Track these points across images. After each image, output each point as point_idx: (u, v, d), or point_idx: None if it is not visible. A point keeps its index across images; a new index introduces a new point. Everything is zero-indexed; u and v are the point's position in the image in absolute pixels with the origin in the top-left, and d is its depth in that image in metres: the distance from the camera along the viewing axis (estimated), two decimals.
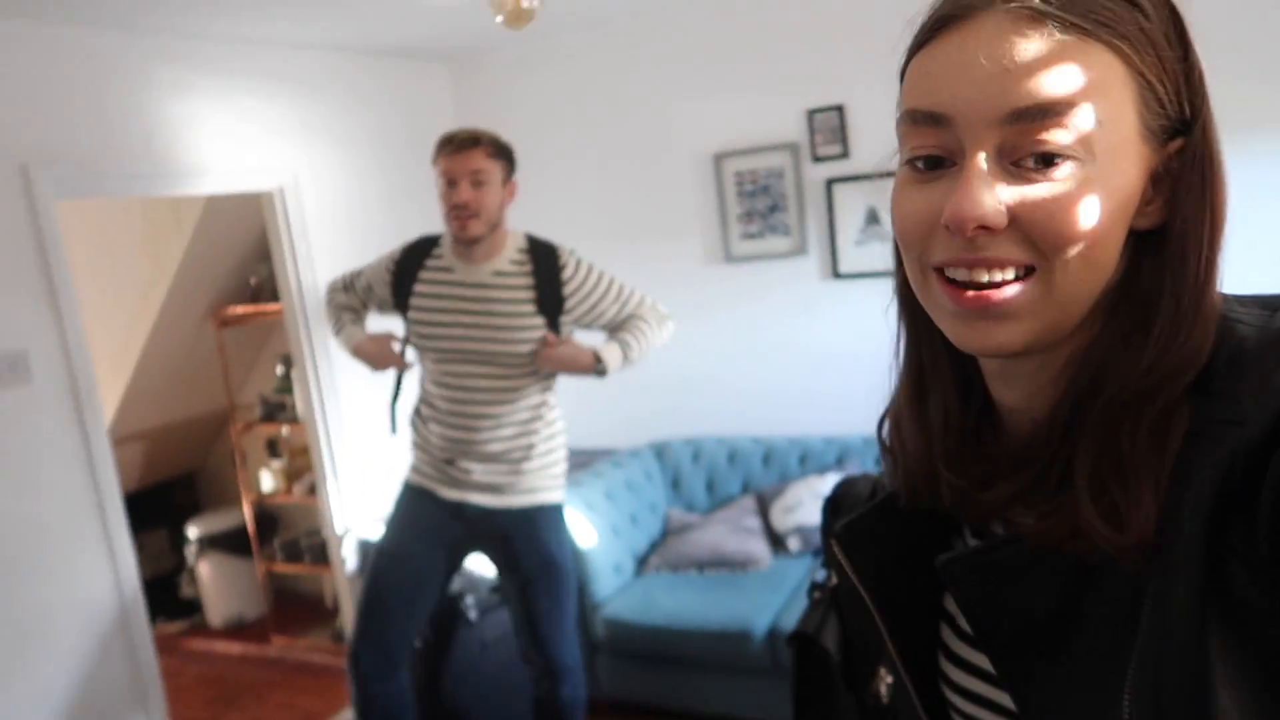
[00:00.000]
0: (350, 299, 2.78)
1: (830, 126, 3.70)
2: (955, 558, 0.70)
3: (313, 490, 4.28)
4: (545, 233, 5.07)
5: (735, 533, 3.59)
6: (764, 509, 3.70)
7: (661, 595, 3.39)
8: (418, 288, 2.55)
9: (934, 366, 0.75)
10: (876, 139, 3.64)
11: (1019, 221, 0.60)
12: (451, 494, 2.61)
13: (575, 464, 4.23)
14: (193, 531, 4.81)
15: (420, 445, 2.67)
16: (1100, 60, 0.59)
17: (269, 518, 4.93)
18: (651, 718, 3.45)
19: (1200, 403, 0.60)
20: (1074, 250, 0.60)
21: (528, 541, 2.62)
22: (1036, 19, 0.59)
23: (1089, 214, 0.60)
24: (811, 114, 3.73)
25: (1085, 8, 0.60)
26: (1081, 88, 0.59)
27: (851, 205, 3.71)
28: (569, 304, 2.55)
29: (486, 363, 2.50)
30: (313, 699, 3.98)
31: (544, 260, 2.56)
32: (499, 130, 4.40)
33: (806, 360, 3.91)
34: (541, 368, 2.51)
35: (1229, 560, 0.55)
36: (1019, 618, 0.67)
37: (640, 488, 3.86)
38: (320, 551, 4.42)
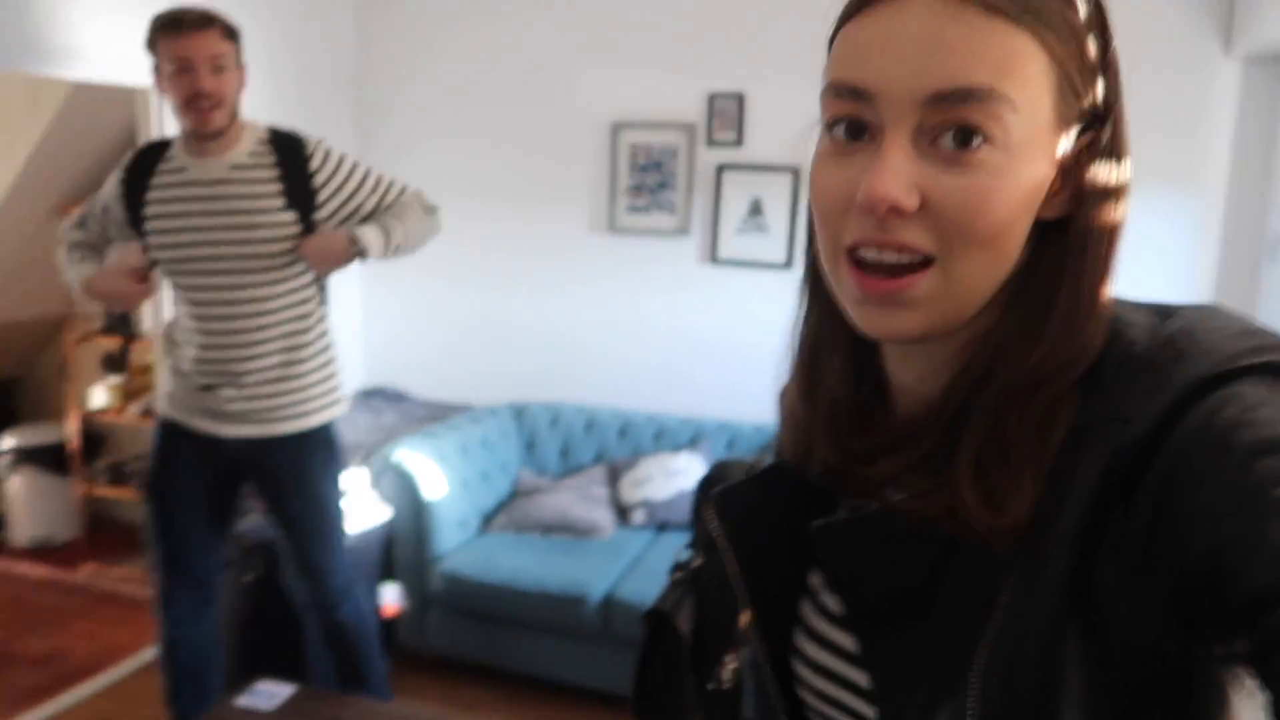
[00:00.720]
0: (86, 234, 2.47)
1: (728, 113, 3.76)
2: (829, 523, 0.72)
3: (149, 412, 4.06)
4: (431, 185, 5.01)
5: (583, 500, 3.62)
6: (614, 480, 3.74)
7: (503, 554, 3.38)
8: (150, 195, 2.31)
9: (830, 340, 0.75)
10: (770, 132, 3.73)
11: (930, 208, 0.60)
12: (208, 426, 2.42)
13: (431, 415, 4.17)
14: (5, 442, 4.49)
15: (174, 370, 2.46)
16: (1024, 48, 0.60)
17: (96, 437, 4.65)
18: (480, 675, 3.43)
19: (1088, 398, 0.62)
20: (978, 243, 0.61)
21: (294, 474, 2.49)
22: (966, 1, 0.59)
23: (999, 208, 0.61)
24: (712, 98, 3.78)
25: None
26: (1004, 74, 0.59)
27: (738, 193, 3.78)
28: (321, 196, 2.37)
29: (235, 270, 2.31)
30: (118, 631, 3.77)
31: (288, 150, 2.35)
32: (408, 76, 4.30)
33: (674, 339, 3.96)
34: (305, 262, 2.36)
35: (1100, 551, 0.58)
36: (883, 590, 0.69)
37: (495, 446, 3.83)
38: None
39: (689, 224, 3.90)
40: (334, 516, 2.60)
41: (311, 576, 2.59)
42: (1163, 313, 0.65)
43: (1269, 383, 0.56)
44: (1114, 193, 0.65)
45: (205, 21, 2.16)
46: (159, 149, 2.36)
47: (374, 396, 4.49)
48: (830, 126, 0.65)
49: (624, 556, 3.39)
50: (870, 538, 0.69)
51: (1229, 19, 3.17)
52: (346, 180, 2.40)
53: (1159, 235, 3.33)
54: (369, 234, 2.37)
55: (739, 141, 3.77)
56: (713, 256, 3.86)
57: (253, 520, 3.02)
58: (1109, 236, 0.65)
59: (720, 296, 3.89)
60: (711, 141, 3.81)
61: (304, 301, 2.42)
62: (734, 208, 3.78)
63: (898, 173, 0.60)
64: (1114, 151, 0.66)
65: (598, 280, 4.06)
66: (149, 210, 2.31)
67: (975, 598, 0.63)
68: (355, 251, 2.35)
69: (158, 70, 2.20)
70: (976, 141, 0.60)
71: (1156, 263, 3.33)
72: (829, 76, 0.65)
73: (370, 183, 2.44)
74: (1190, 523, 0.54)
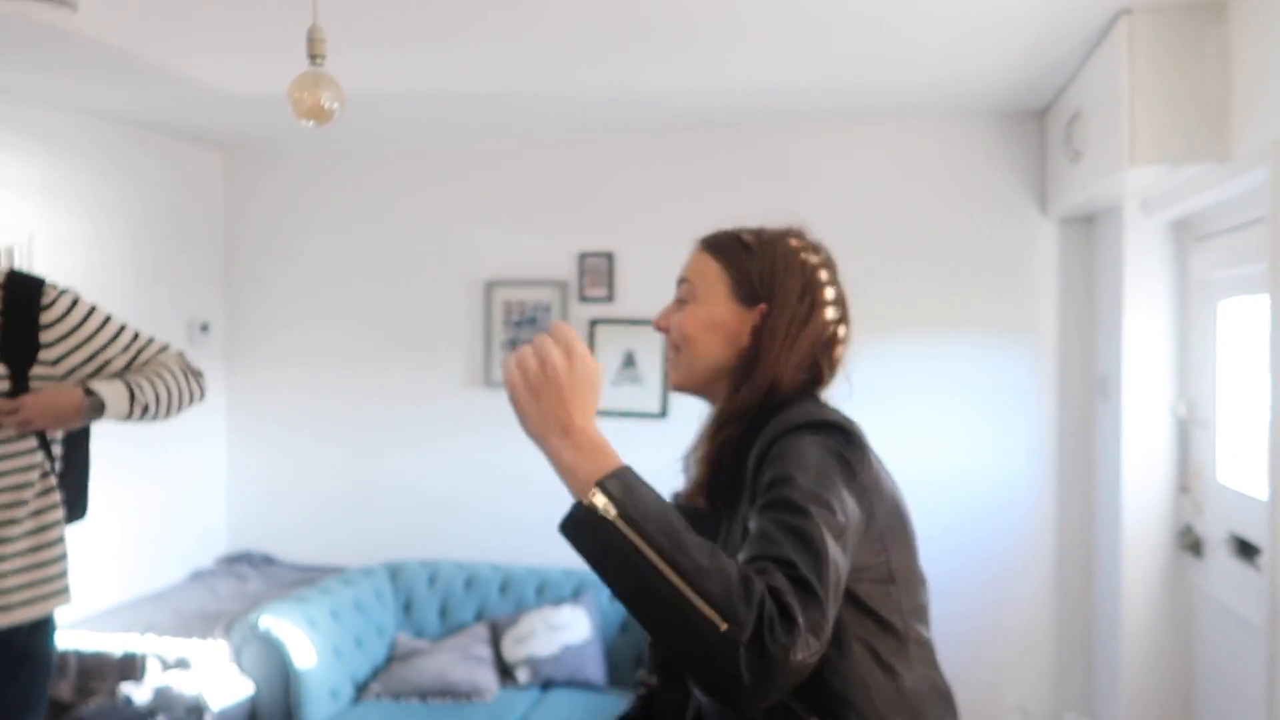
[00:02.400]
0: None
1: (599, 270, 3.92)
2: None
3: None
4: (303, 343, 4.94)
5: (464, 661, 3.50)
6: (496, 638, 3.64)
7: None
8: None
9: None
10: (640, 287, 3.90)
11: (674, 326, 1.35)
12: None
13: (302, 579, 4.00)
14: None
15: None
16: (706, 262, 1.34)
17: None
18: None
19: (757, 430, 1.22)
20: (684, 344, 1.32)
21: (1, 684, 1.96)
22: (699, 246, 1.37)
23: (687, 328, 1.32)
24: (583, 257, 3.95)
25: (714, 242, 1.36)
26: (694, 270, 1.35)
27: (612, 347, 3.90)
28: (51, 351, 2.02)
29: None
30: None
31: (20, 295, 2.01)
32: (274, 229, 4.34)
33: (552, 491, 3.94)
34: (12, 427, 1.96)
35: (753, 493, 1.15)
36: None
37: (370, 608, 3.69)
38: None
39: None
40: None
41: None
42: (809, 413, 1.22)
43: (806, 433, 1.16)
44: (780, 335, 1.27)
45: None
46: None
47: (238, 561, 4.28)
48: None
49: (507, 719, 3.28)
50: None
51: (1043, 187, 3.57)
52: (95, 333, 2.08)
53: (1009, 374, 3.61)
54: (108, 388, 2.02)
55: (610, 297, 3.92)
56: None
57: None
58: (777, 358, 1.27)
59: None
60: (584, 297, 3.95)
61: (24, 469, 2.02)
62: (608, 360, 3.90)
63: (663, 313, 1.38)
64: (780, 314, 1.28)
65: (473, 434, 4.06)
66: None
67: (712, 530, 1.24)
68: (90, 406, 1.99)
69: None
70: (683, 303, 1.35)
71: (1010, 398, 3.59)
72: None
73: (124, 338, 2.13)
74: (766, 476, 1.13)
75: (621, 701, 3.41)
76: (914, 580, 1.22)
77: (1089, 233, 3.54)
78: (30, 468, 2.02)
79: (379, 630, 3.69)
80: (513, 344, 4.01)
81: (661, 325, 1.34)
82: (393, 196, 4.21)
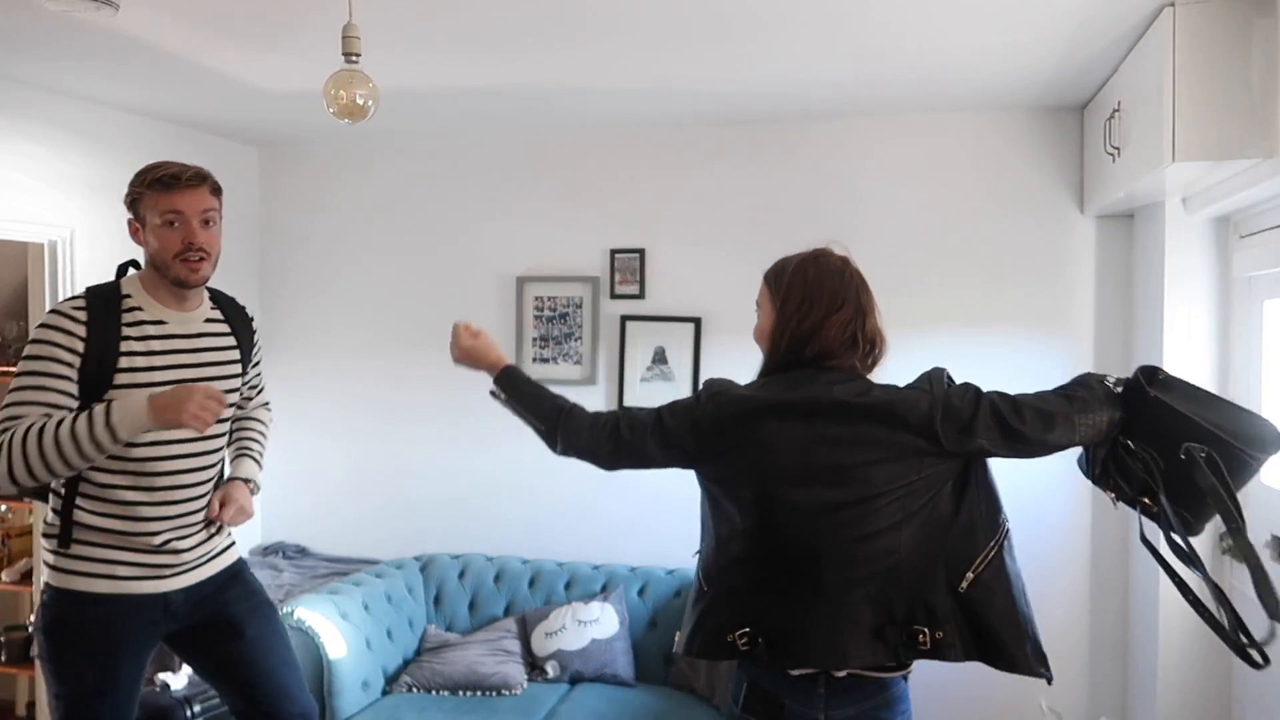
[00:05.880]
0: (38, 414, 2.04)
1: (630, 267, 3.92)
2: None
3: (27, 578, 3.83)
4: (337, 336, 4.99)
5: (493, 654, 3.52)
6: (525, 632, 3.66)
7: (408, 716, 3.24)
8: (126, 347, 2.11)
9: None
10: (671, 284, 3.89)
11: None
12: (157, 587, 2.20)
13: (334, 571, 4.05)
14: None
15: (113, 543, 2.16)
16: (762, 285, 1.84)
17: None
18: None
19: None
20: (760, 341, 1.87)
21: (244, 598, 2.36)
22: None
23: (756, 334, 1.88)
24: (614, 253, 3.94)
25: (774, 274, 1.82)
26: (760, 292, 1.85)
27: (642, 343, 3.90)
28: (252, 362, 2.47)
29: None
30: None
31: (234, 312, 2.39)
32: (309, 224, 4.38)
33: (583, 487, 3.98)
34: (225, 521, 2.32)
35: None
36: None
37: (401, 601, 3.72)
38: (20, 649, 3.91)
39: (595, 373, 3.98)
40: (287, 634, 2.47)
41: (290, 698, 2.35)
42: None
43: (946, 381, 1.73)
44: (776, 328, 1.80)
45: (200, 178, 2.18)
46: (114, 298, 2.16)
47: (272, 552, 4.33)
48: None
49: (536, 713, 3.29)
50: None
51: (1082, 183, 3.51)
52: (260, 356, 2.53)
53: (1045, 371, 3.53)
54: (253, 471, 2.46)
55: (641, 294, 3.92)
56: (620, 404, 3.93)
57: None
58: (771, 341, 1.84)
59: None
60: (615, 294, 3.95)
61: (223, 448, 2.40)
62: (639, 357, 3.89)
63: None
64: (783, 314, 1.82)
65: (505, 431, 4.05)
66: (126, 363, 2.11)
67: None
68: (253, 491, 2.43)
69: (140, 223, 2.16)
70: None
71: None
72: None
73: (261, 366, 2.58)
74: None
75: (649, 697, 3.41)
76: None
77: (1128, 229, 3.48)
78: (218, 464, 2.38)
79: (410, 623, 3.72)
80: (543, 340, 4.03)
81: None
82: (425, 192, 4.23)
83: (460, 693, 3.42)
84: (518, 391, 1.95)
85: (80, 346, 2.05)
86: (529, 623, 3.68)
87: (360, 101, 2.17)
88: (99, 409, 1.99)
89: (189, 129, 4.03)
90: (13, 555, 4.10)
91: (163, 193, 2.13)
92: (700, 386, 1.82)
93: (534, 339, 4.04)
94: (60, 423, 1.97)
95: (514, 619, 3.73)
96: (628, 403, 3.91)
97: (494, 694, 3.41)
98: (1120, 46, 2.80)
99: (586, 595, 3.74)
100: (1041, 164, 3.55)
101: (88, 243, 3.57)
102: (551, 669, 3.53)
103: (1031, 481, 3.59)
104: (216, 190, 2.23)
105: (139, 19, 2.64)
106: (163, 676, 3.16)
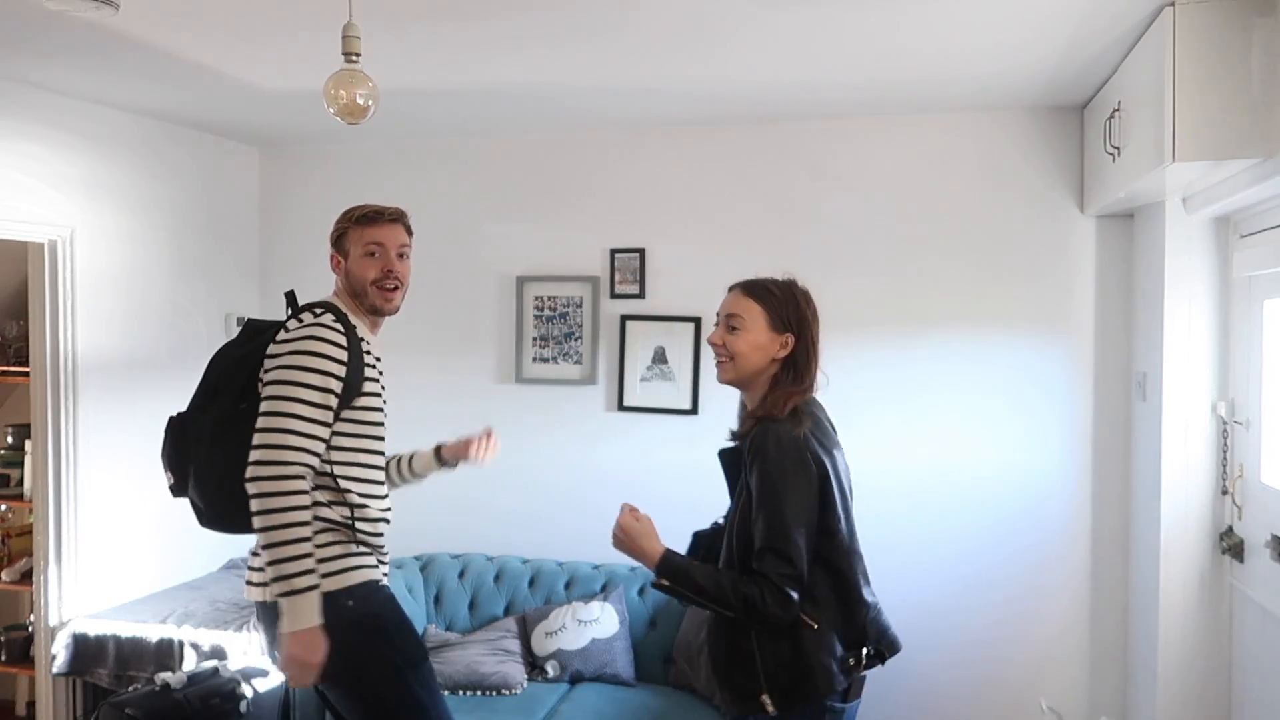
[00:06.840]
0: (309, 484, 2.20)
1: (630, 267, 3.92)
2: (722, 450, 2.12)
3: (27, 578, 3.83)
4: None
5: (493, 654, 3.52)
6: (525, 632, 3.66)
7: None
8: (369, 371, 2.34)
9: None
10: (671, 284, 3.89)
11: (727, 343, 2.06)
12: (385, 569, 2.45)
13: None
14: None
15: (373, 550, 2.35)
16: (746, 302, 2.06)
17: None
18: None
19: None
20: (737, 356, 2.04)
21: None
22: (737, 290, 2.10)
23: (739, 346, 2.04)
24: (614, 253, 3.94)
25: (751, 288, 2.07)
26: (741, 308, 2.05)
27: (642, 343, 3.90)
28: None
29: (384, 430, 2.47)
30: None
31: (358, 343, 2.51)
32: (309, 224, 4.37)
33: (583, 486, 3.98)
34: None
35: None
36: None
37: (401, 600, 3.69)
38: (20, 648, 3.91)
39: (595, 373, 3.98)
40: None
41: None
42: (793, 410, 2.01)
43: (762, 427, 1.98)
44: (800, 358, 2.03)
45: (399, 215, 2.44)
46: (343, 320, 2.30)
47: None
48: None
49: (536, 713, 3.29)
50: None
51: (1081, 182, 3.51)
52: None
53: (1045, 372, 3.56)
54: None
55: (641, 294, 3.92)
56: (620, 404, 3.93)
57: None
58: (798, 371, 2.03)
59: (628, 442, 3.95)
60: (615, 294, 3.95)
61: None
62: (639, 356, 3.89)
63: (715, 332, 2.10)
64: (802, 341, 2.03)
65: (505, 428, 4.06)
66: (369, 385, 2.33)
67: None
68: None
69: (343, 255, 2.38)
70: (735, 328, 2.06)
71: (1046, 396, 3.55)
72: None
73: None
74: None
75: (649, 697, 3.41)
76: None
77: (1128, 229, 3.48)
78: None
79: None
80: (543, 340, 4.03)
81: (715, 341, 2.07)
82: (425, 192, 4.23)
83: (460, 692, 3.42)
84: (690, 582, 1.99)
85: (342, 371, 2.22)
86: (529, 622, 3.68)
87: (360, 101, 2.18)
88: (316, 581, 2.11)
89: (189, 129, 4.03)
90: (13, 555, 4.10)
91: (367, 226, 2.37)
92: (786, 456, 1.89)
93: (534, 339, 4.04)
94: (306, 542, 2.09)
95: (514, 619, 3.73)
96: (627, 402, 3.91)
97: (494, 694, 3.41)
98: (1120, 46, 2.80)
99: (587, 595, 3.74)
100: (1042, 164, 3.55)
101: (88, 243, 3.57)
102: (551, 669, 3.54)
103: (1031, 482, 3.59)
104: (409, 230, 2.47)
105: (139, 19, 2.64)
106: (163, 676, 3.16)
